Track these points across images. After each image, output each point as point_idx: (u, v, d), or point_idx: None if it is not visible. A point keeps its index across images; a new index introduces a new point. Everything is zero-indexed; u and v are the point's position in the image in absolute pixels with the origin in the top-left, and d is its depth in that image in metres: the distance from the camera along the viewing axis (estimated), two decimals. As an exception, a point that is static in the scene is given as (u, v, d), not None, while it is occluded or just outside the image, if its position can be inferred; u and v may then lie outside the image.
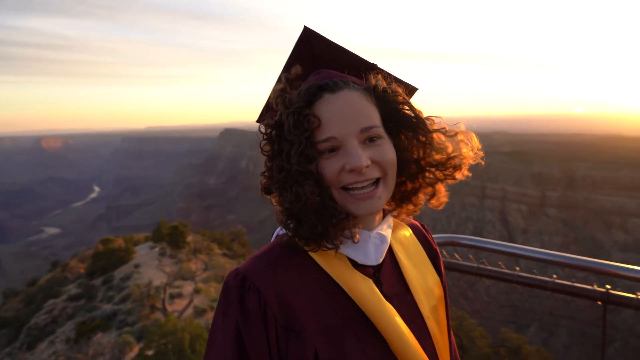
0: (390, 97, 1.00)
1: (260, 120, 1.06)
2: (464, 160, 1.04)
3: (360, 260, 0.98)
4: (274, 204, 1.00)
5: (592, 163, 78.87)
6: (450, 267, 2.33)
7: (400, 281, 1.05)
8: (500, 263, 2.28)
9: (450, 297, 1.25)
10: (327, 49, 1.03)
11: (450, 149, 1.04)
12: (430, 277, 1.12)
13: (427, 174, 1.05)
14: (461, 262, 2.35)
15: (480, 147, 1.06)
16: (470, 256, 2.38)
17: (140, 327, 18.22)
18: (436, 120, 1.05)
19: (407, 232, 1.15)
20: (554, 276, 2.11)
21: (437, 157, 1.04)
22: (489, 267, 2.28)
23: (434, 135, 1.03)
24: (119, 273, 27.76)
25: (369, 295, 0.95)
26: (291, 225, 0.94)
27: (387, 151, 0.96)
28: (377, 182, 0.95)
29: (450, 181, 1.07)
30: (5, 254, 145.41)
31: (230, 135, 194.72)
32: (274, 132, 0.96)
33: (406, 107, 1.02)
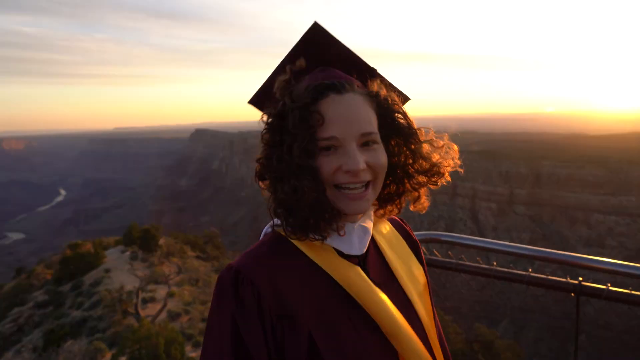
0: (389, 106, 1.06)
1: (253, 102, 1.11)
2: (446, 169, 1.14)
3: (346, 250, 1.03)
4: (265, 191, 1.04)
5: (557, 161, 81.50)
6: (430, 264, 2.39)
7: (386, 269, 1.11)
8: (478, 259, 2.36)
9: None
10: (332, 47, 1.06)
11: (435, 158, 1.12)
12: (413, 265, 1.19)
13: (412, 179, 1.13)
14: (441, 258, 2.41)
15: (458, 157, 1.16)
16: (450, 253, 2.45)
17: (113, 333, 17.76)
18: (426, 128, 1.13)
19: (388, 226, 1.22)
20: (530, 270, 2.20)
21: (424, 164, 1.11)
22: (468, 263, 2.35)
23: (423, 145, 1.11)
24: (88, 278, 26.99)
25: (358, 281, 0.99)
26: (282, 213, 0.98)
27: (381, 156, 1.01)
28: (367, 184, 1.00)
29: (432, 186, 1.16)
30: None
31: (202, 136, 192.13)
32: (276, 122, 0.98)
33: (401, 116, 1.08)
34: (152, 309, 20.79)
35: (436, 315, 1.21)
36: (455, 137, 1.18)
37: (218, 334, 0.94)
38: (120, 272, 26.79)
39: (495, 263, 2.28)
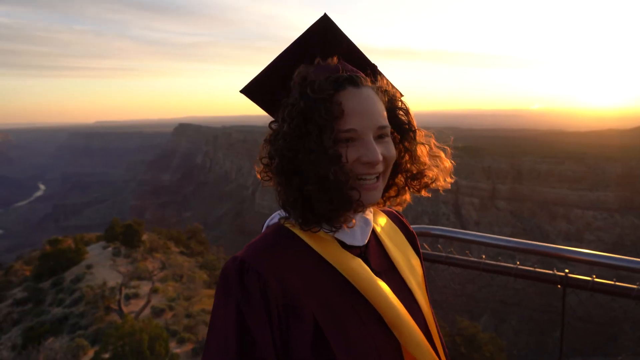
0: (394, 101, 1.10)
1: (246, 92, 1.10)
2: (433, 184, 1.16)
3: (348, 241, 1.05)
4: (276, 185, 1.03)
5: (537, 157, 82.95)
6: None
7: (386, 259, 1.14)
8: (467, 252, 2.40)
9: None
10: (340, 41, 1.06)
11: (425, 166, 1.14)
12: (411, 256, 1.22)
13: (399, 176, 1.15)
14: (430, 251, 2.45)
15: (452, 180, 1.19)
16: (439, 246, 2.48)
17: (95, 330, 17.52)
18: (427, 133, 1.16)
19: (385, 218, 1.24)
20: (517, 262, 2.25)
21: (411, 167, 1.14)
22: (457, 256, 2.39)
23: (418, 146, 1.13)
24: (69, 275, 26.53)
25: (360, 271, 1.01)
26: (299, 205, 0.98)
27: (392, 149, 1.04)
28: (378, 176, 1.03)
29: (414, 192, 1.18)
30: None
31: (185, 130, 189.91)
32: (299, 113, 0.98)
33: (402, 113, 1.11)
34: (135, 305, 20.56)
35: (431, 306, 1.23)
36: (441, 133, 1.21)
37: (223, 323, 0.94)
38: (103, 268, 26.40)
39: (484, 256, 2.33)
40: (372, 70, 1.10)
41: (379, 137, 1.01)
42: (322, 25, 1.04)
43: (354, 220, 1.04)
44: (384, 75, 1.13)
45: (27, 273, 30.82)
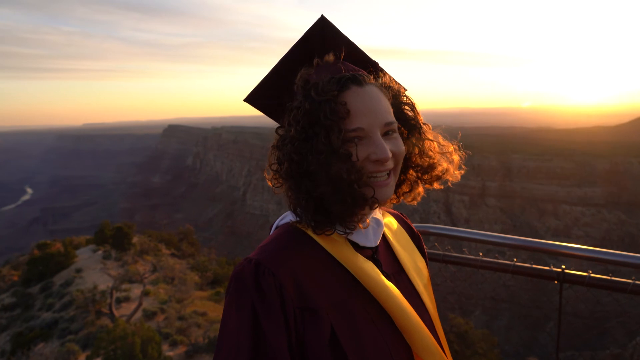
0: (399, 97, 1.10)
1: (249, 100, 1.11)
2: (444, 175, 1.16)
3: (361, 242, 1.05)
4: (286, 190, 1.03)
5: (526, 154, 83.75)
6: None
7: (395, 261, 1.14)
8: (465, 250, 2.40)
9: None
10: (339, 41, 1.06)
11: (435, 159, 1.14)
12: (417, 258, 1.23)
13: (410, 171, 1.16)
14: (428, 250, 2.44)
15: (462, 172, 1.20)
16: (436, 244, 2.48)
17: (86, 335, 17.29)
18: (433, 131, 1.16)
19: (391, 219, 1.25)
20: (514, 260, 2.25)
21: (421, 161, 1.14)
22: (455, 254, 2.39)
23: (426, 141, 1.13)
24: (58, 279, 26.19)
25: (373, 274, 1.01)
26: (311, 208, 0.97)
27: (401, 145, 1.04)
28: (389, 172, 1.03)
29: (427, 186, 1.19)
30: None
31: (175, 132, 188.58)
32: (304, 115, 0.97)
33: (408, 108, 1.11)
34: (126, 309, 20.34)
35: None
36: (448, 128, 1.21)
37: (236, 326, 0.92)
38: (93, 272, 26.09)
39: (481, 254, 2.33)
40: (373, 68, 1.09)
41: (387, 134, 1.01)
42: (320, 27, 1.04)
43: (368, 220, 1.04)
44: (386, 72, 1.12)
45: (15, 278, 30.37)
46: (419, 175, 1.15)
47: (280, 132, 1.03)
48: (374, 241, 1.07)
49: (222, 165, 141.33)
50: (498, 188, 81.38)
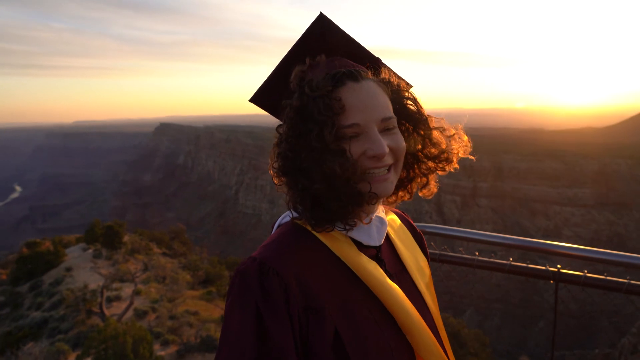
0: (400, 92, 1.09)
1: (255, 100, 1.10)
2: (454, 156, 1.16)
3: (365, 241, 1.04)
4: (282, 186, 1.02)
5: (517, 155, 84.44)
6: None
7: (397, 260, 1.14)
8: (461, 249, 2.40)
9: None
10: (339, 38, 1.06)
11: (444, 145, 1.14)
12: (419, 257, 1.23)
13: (422, 164, 1.15)
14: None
15: (469, 144, 1.19)
16: (432, 244, 2.48)
17: (76, 334, 17.14)
18: (437, 118, 1.16)
19: (395, 218, 1.25)
20: (510, 259, 2.26)
21: (433, 150, 1.14)
22: (451, 254, 2.39)
23: (433, 131, 1.13)
24: (48, 278, 25.90)
25: (376, 274, 1.00)
26: (308, 205, 0.97)
27: (400, 140, 1.03)
28: (389, 168, 1.02)
29: (440, 172, 1.18)
30: None
31: (167, 130, 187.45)
32: (298, 112, 0.97)
33: (411, 102, 1.11)
34: (117, 308, 20.19)
35: None
36: (449, 117, 1.21)
37: (239, 326, 0.90)
38: (83, 271, 25.86)
39: (477, 253, 2.34)
40: (372, 64, 1.08)
41: (386, 130, 1.00)
42: (319, 25, 1.04)
43: (371, 217, 1.04)
44: (387, 67, 1.11)
45: (4, 277, 30.00)
46: (430, 164, 1.15)
47: (280, 130, 1.03)
48: (378, 240, 1.07)
49: (214, 164, 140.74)
50: (489, 188, 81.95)
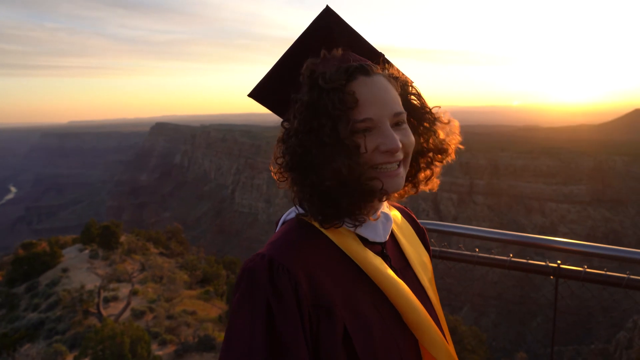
0: (406, 87, 1.09)
1: (254, 95, 1.08)
2: (452, 146, 1.17)
3: (371, 237, 1.04)
4: (290, 184, 1.01)
5: (513, 153, 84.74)
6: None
7: (401, 256, 1.14)
8: (460, 246, 2.41)
9: None
10: (344, 31, 1.05)
11: (442, 136, 1.15)
12: (422, 252, 1.22)
13: (426, 157, 1.15)
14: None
15: (459, 131, 1.19)
16: (432, 240, 2.48)
17: (73, 335, 17.08)
18: (435, 110, 1.15)
19: (397, 213, 1.24)
20: (511, 255, 2.26)
21: (436, 142, 1.14)
22: (451, 250, 2.39)
23: (436, 125, 1.13)
24: (44, 279, 25.79)
25: (382, 269, 1.00)
26: (317, 202, 0.95)
27: (410, 135, 1.02)
28: (399, 163, 1.01)
29: (438, 164, 1.18)
30: None
31: (163, 129, 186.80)
32: (309, 107, 0.95)
33: (415, 97, 1.11)
34: (114, 308, 20.12)
35: None
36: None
37: (250, 324, 0.87)
38: (80, 271, 25.77)
39: (477, 250, 2.34)
40: (377, 59, 1.07)
41: (396, 125, 1.00)
42: (325, 18, 1.02)
43: (379, 213, 1.03)
44: (392, 63, 1.11)
45: (0, 278, 29.88)
46: (436, 156, 1.15)
47: (286, 125, 1.01)
48: (383, 236, 1.06)
49: (211, 164, 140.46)
50: (486, 186, 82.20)
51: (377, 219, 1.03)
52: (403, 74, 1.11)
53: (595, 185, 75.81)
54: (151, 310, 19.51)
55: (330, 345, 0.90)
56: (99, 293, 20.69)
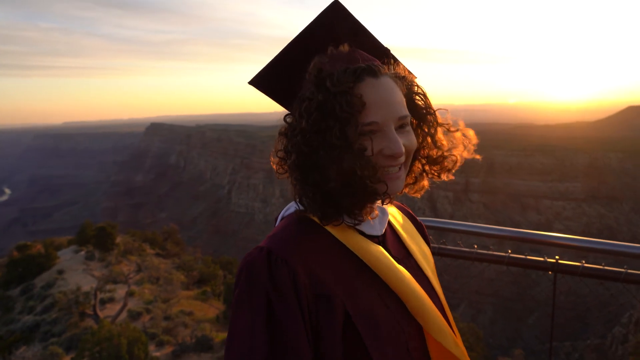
0: (412, 88, 1.07)
1: (255, 83, 1.05)
2: (456, 163, 1.13)
3: (367, 231, 1.04)
4: (291, 180, 1.00)
5: (508, 150, 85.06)
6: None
7: (402, 247, 1.14)
8: (459, 242, 2.41)
9: None
10: (351, 27, 1.02)
11: (446, 147, 1.11)
12: (422, 244, 1.23)
13: (418, 163, 1.12)
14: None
15: (476, 143, 1.15)
16: (431, 237, 2.48)
17: (69, 337, 17.00)
18: (441, 113, 1.11)
19: (395, 208, 1.25)
20: (509, 251, 2.27)
21: (433, 152, 1.11)
22: (450, 247, 2.39)
23: (438, 129, 1.10)
24: (39, 281, 25.67)
25: (382, 258, 1.00)
26: (319, 201, 0.95)
27: (413, 139, 1.01)
28: (400, 166, 1.01)
29: (434, 179, 1.15)
30: None
31: (158, 129, 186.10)
32: (317, 107, 0.94)
33: (419, 98, 1.08)
34: (111, 310, 20.05)
35: None
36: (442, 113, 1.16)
37: (251, 316, 0.88)
38: (75, 273, 25.66)
39: (476, 246, 2.34)
40: (387, 56, 1.06)
41: (400, 127, 0.98)
42: (333, 11, 1.00)
43: (376, 211, 1.04)
44: (399, 60, 1.08)
45: (-5, 280, 29.67)
46: (426, 167, 1.12)
47: (289, 120, 1.00)
48: (379, 229, 1.06)
49: (206, 164, 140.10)
50: (481, 184, 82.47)
51: (374, 217, 1.04)
52: (409, 72, 1.08)
53: (590, 182, 76.23)
54: (148, 311, 19.46)
55: (331, 334, 0.90)
56: (95, 295, 20.62)
